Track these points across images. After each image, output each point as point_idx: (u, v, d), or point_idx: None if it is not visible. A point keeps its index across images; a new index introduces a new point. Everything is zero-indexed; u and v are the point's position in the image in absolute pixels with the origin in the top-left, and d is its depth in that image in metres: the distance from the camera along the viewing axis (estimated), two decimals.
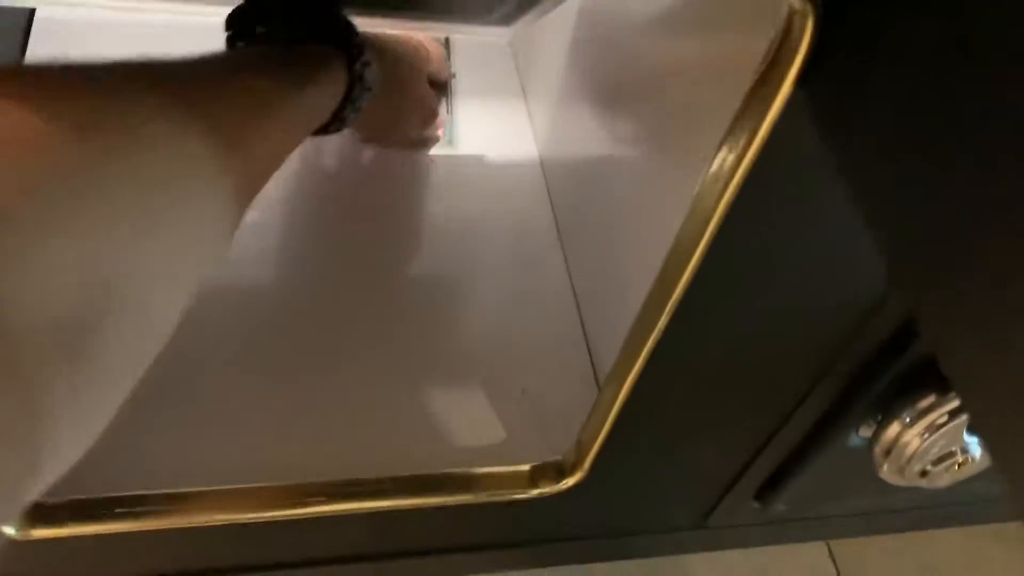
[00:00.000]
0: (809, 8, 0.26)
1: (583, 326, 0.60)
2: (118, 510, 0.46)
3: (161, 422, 0.49)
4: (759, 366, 0.44)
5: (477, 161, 0.69)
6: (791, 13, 0.26)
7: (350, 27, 0.44)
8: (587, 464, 0.49)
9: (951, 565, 0.86)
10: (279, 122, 0.34)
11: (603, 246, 0.57)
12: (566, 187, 0.65)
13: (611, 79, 0.55)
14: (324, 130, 0.45)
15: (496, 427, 0.53)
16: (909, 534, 0.86)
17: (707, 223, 0.35)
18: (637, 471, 0.51)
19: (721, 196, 0.33)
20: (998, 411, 0.24)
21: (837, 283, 0.39)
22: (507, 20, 0.51)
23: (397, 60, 0.56)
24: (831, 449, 0.49)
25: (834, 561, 0.84)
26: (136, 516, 0.47)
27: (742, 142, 0.31)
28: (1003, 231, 0.22)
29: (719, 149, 0.33)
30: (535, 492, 0.51)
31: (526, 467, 0.51)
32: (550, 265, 0.64)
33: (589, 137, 0.60)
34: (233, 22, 0.43)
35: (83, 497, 0.46)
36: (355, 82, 0.43)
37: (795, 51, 0.26)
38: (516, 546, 0.58)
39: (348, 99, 0.44)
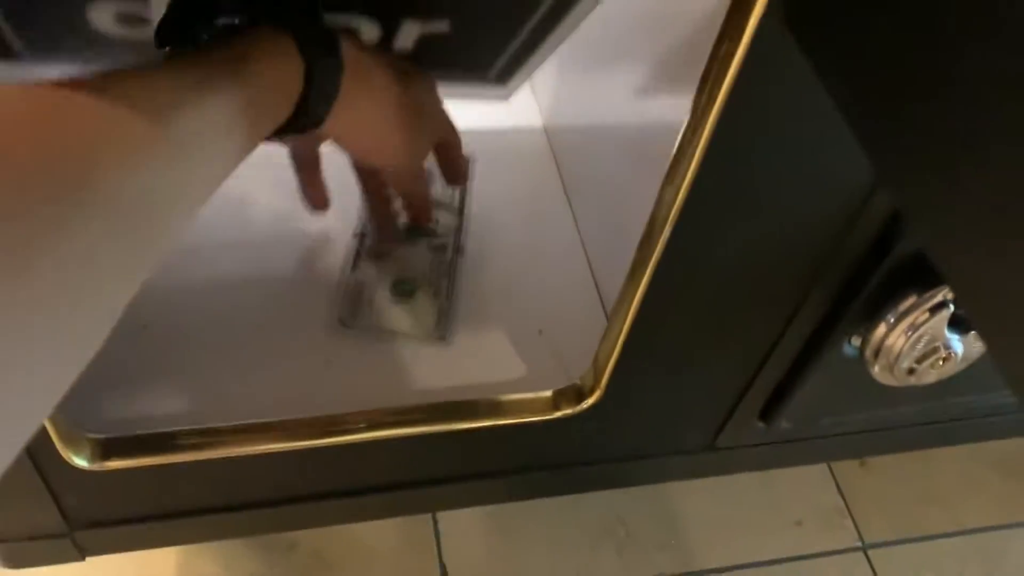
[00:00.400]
0: None
1: (591, 270, 0.64)
2: (179, 442, 0.51)
3: (217, 365, 0.54)
4: (753, 279, 0.49)
5: (486, 131, 0.73)
6: None
7: (312, 11, 0.38)
8: (603, 383, 0.54)
9: (952, 493, 0.91)
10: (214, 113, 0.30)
11: (606, 198, 0.62)
12: (570, 149, 0.70)
13: (606, 40, 0.60)
14: (290, 128, 0.37)
15: (518, 363, 0.58)
16: (911, 465, 0.91)
17: (699, 142, 0.39)
18: (649, 388, 0.56)
19: (708, 117, 0.38)
20: (980, 280, 0.28)
21: (821, 191, 0.43)
22: (503, 78, 0.49)
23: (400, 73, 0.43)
24: (827, 359, 0.53)
25: (840, 493, 0.89)
26: (195, 447, 0.51)
27: (725, 61, 0.36)
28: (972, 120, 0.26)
29: (704, 72, 0.37)
30: (558, 414, 0.56)
31: (548, 392, 0.56)
32: (559, 220, 0.68)
33: (588, 98, 0.65)
34: (167, 34, 0.37)
35: (149, 432, 0.51)
36: (312, 68, 0.36)
37: None
38: (539, 471, 0.62)
39: (308, 93, 0.36)
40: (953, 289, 0.29)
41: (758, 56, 0.34)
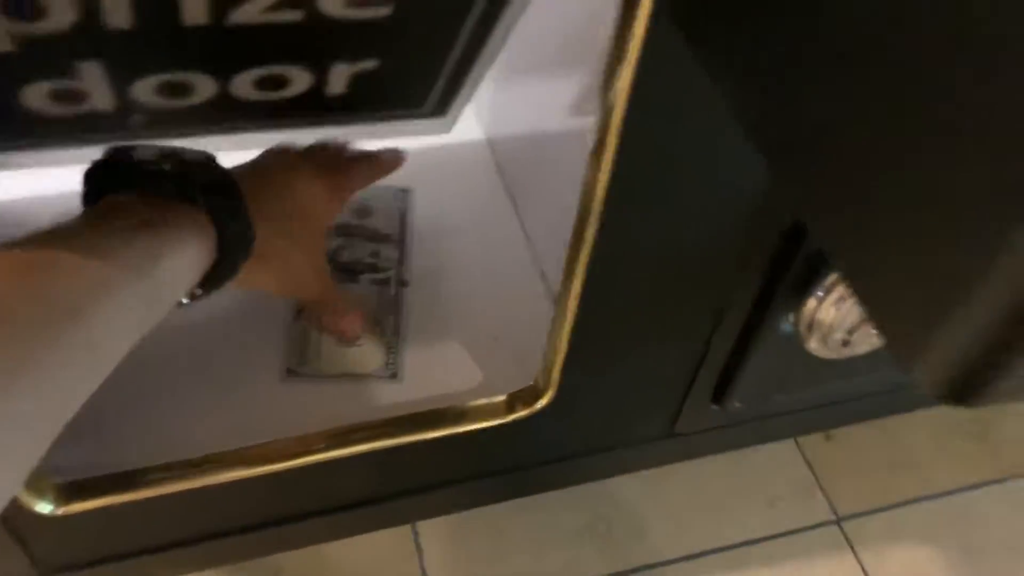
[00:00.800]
0: None
1: (542, 273, 0.66)
2: (145, 478, 0.52)
3: (174, 401, 0.55)
4: (683, 266, 0.51)
5: (428, 149, 0.75)
6: None
7: (224, 184, 0.41)
8: (555, 381, 0.55)
9: (919, 458, 0.93)
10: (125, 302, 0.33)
11: (551, 202, 0.63)
12: (512, 158, 0.72)
13: (538, 46, 0.62)
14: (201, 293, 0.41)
15: (476, 371, 0.59)
16: (877, 435, 0.93)
17: (611, 139, 0.41)
18: (601, 381, 0.58)
19: (614, 114, 0.40)
20: (868, 269, 0.29)
21: (733, 177, 0.45)
22: (441, 109, 0.50)
23: (285, 216, 0.47)
24: (765, 338, 0.55)
25: (811, 469, 0.91)
26: (160, 482, 0.52)
27: (621, 59, 0.38)
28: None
29: (606, 70, 0.39)
30: (513, 416, 0.57)
31: (502, 396, 0.58)
32: (506, 229, 0.70)
33: (528, 109, 0.67)
34: (90, 181, 0.39)
35: (114, 471, 0.52)
36: (225, 247, 0.40)
37: None
38: (505, 474, 0.64)
39: (217, 268, 0.40)
40: (842, 276, 0.31)
41: (652, 53, 0.36)
